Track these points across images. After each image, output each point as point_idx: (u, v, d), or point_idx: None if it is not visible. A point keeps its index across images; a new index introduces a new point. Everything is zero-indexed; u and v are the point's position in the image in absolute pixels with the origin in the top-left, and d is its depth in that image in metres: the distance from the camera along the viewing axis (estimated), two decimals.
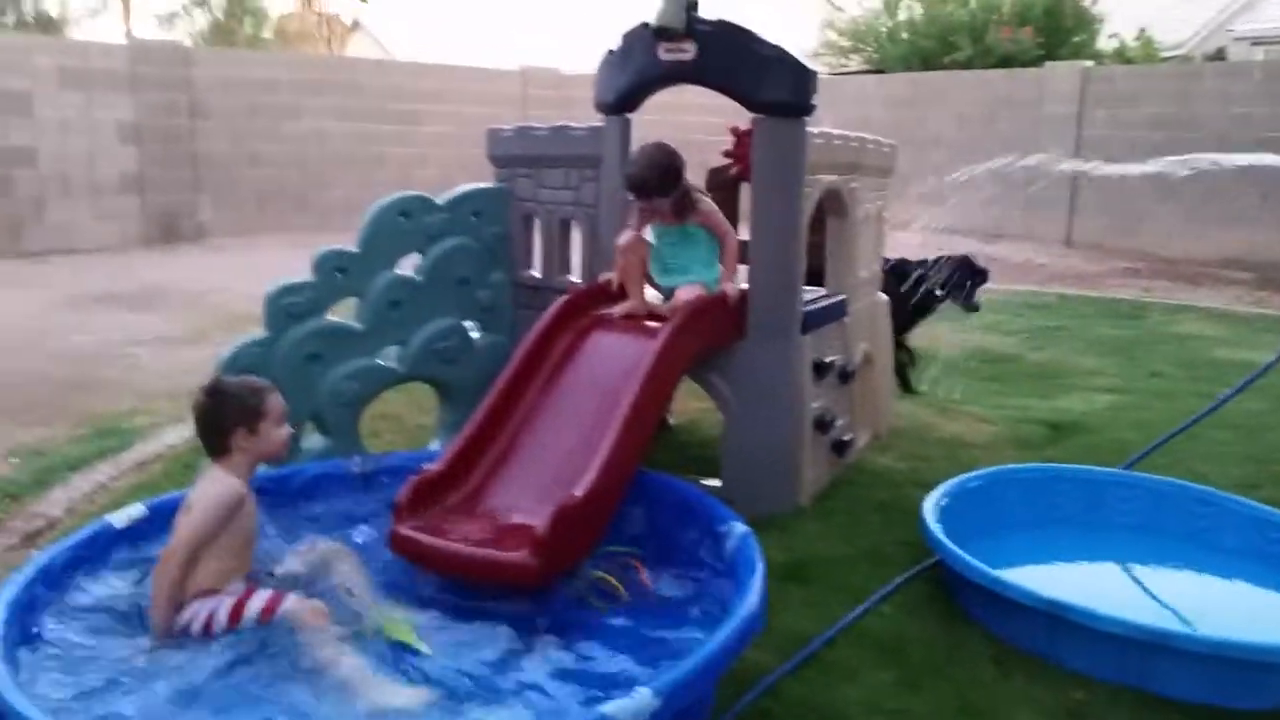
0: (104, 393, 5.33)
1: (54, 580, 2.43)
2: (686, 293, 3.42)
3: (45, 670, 2.19)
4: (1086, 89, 12.81)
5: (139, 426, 4.67)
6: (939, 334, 6.65)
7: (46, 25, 25.29)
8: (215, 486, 2.46)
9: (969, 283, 5.04)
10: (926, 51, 16.11)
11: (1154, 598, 3.11)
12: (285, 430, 2.62)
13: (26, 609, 2.29)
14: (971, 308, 5.09)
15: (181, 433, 4.52)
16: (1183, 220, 11.15)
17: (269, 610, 2.33)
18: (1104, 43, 16.07)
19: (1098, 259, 11.45)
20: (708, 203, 3.56)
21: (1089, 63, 13.66)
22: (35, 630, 2.29)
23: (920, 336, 6.07)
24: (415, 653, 2.35)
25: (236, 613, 2.34)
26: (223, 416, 2.53)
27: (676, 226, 3.53)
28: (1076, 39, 15.57)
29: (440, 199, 3.93)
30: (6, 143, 10.56)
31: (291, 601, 2.35)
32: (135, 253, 10.99)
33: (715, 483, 3.55)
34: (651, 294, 3.61)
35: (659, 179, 3.36)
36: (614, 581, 2.65)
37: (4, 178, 10.57)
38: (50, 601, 2.39)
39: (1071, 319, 7.72)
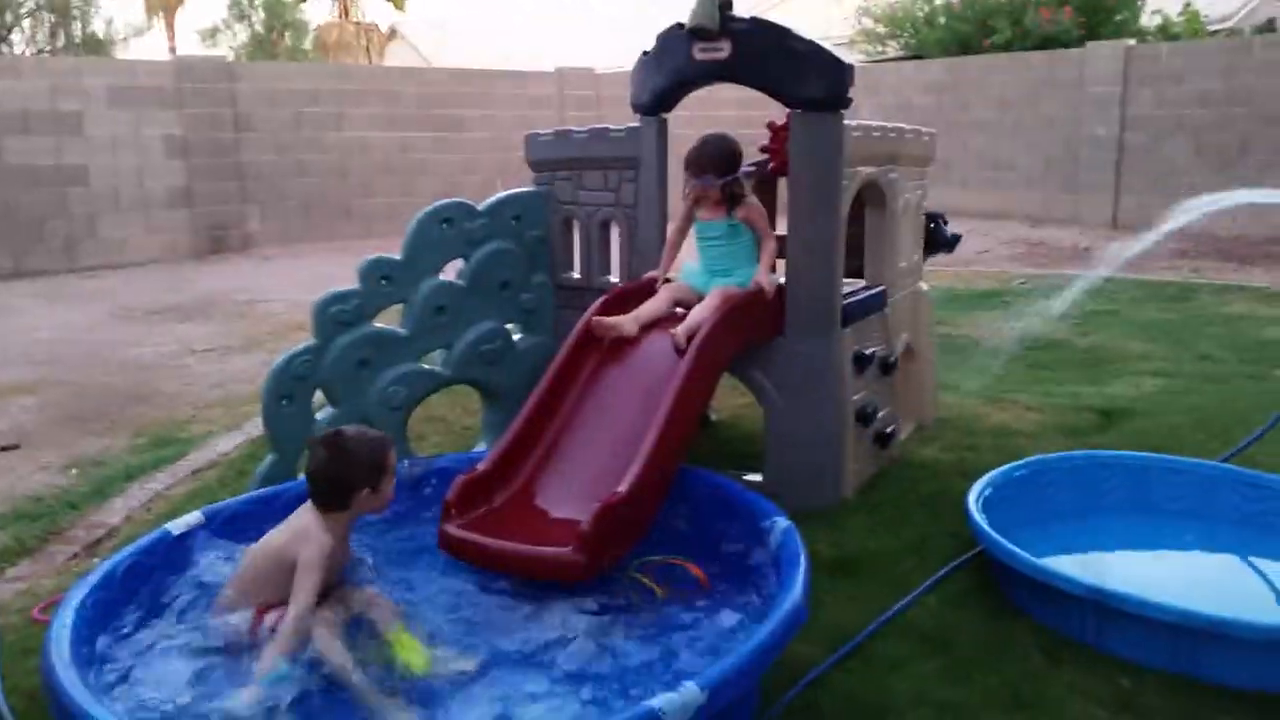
0: (161, 403, 5.48)
1: (117, 585, 2.52)
2: (711, 298, 3.36)
3: (111, 675, 2.27)
4: (1130, 68, 12.57)
5: (194, 435, 4.80)
6: (985, 319, 6.61)
7: (95, 46, 25.93)
8: (314, 543, 2.42)
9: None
10: (964, 36, 15.90)
11: (1203, 584, 3.07)
12: (394, 485, 2.62)
13: (94, 612, 2.38)
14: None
15: (234, 439, 4.64)
16: None
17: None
18: (1147, 19, 15.74)
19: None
20: (755, 201, 3.63)
21: (1131, 41, 13.39)
22: (102, 634, 2.38)
23: (966, 324, 6.04)
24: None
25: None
26: (350, 474, 2.48)
27: (723, 221, 3.54)
28: (1119, 17, 15.28)
29: (481, 205, 3.99)
30: (61, 162, 10.89)
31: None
32: (185, 265, 11.26)
33: (756, 477, 3.57)
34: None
35: (716, 156, 3.49)
36: (649, 581, 2.68)
37: (59, 196, 10.89)
38: (116, 605, 2.48)
39: (1119, 303, 7.61)
